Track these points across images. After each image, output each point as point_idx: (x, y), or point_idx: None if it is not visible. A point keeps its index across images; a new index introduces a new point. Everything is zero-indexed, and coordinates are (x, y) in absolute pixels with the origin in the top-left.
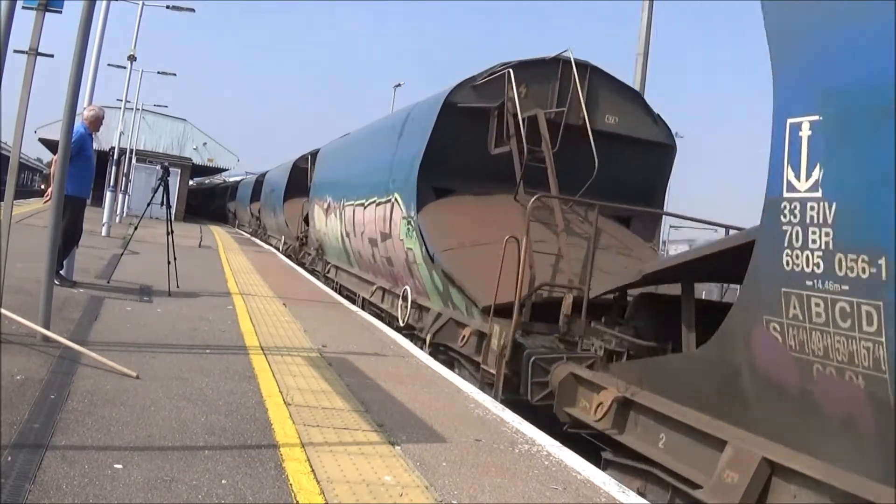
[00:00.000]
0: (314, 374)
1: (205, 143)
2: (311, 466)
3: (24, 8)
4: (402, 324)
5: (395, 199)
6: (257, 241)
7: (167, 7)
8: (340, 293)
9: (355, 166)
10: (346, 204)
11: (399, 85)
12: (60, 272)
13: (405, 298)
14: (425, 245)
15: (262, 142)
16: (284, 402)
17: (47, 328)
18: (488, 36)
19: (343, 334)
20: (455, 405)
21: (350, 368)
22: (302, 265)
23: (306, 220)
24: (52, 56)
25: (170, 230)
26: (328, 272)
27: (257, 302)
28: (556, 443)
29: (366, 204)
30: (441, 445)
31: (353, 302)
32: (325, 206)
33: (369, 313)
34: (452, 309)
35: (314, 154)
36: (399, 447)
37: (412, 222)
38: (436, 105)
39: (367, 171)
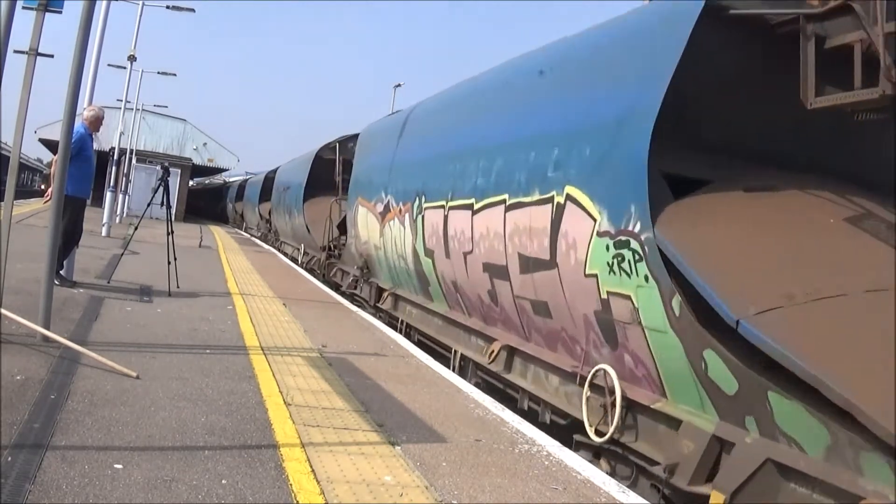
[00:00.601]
0: (314, 374)
1: (205, 143)
2: (311, 466)
3: (24, 8)
4: (593, 436)
5: (570, 198)
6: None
7: (167, 7)
8: (408, 336)
9: (449, 142)
10: (426, 205)
11: (399, 85)
12: (60, 272)
13: (601, 389)
14: (691, 293)
15: (262, 142)
16: (284, 402)
17: (47, 328)
18: (489, 36)
19: (343, 334)
20: (455, 405)
21: (350, 368)
22: (336, 288)
23: (341, 227)
24: (52, 56)
25: (170, 230)
26: (383, 302)
27: (257, 302)
28: (557, 443)
29: (477, 206)
30: (441, 445)
31: (448, 365)
32: (380, 207)
33: (474, 385)
34: (757, 433)
35: (346, 141)
36: (399, 447)
37: (641, 245)
38: (685, 14)
39: (483, 148)
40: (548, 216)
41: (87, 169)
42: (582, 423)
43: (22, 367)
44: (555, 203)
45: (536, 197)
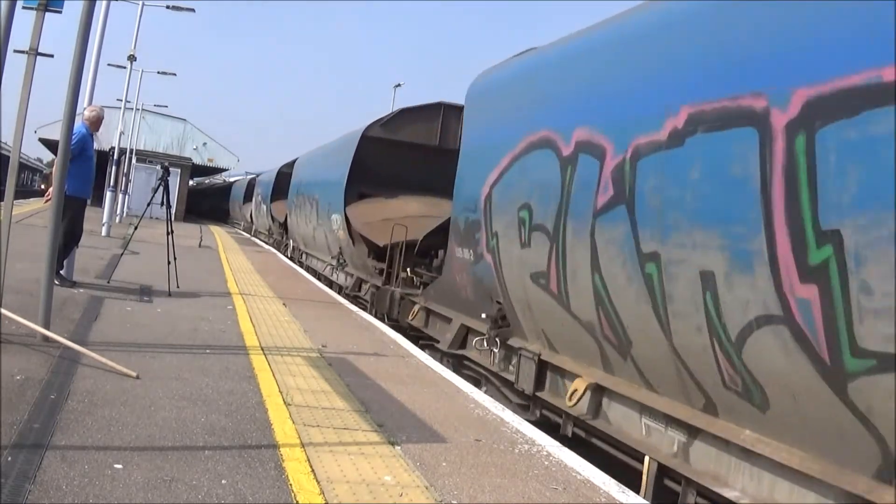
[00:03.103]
0: (314, 374)
1: (205, 143)
2: (311, 466)
3: (24, 8)
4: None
5: None
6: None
7: (167, 7)
8: None
9: None
10: None
11: (399, 85)
12: (60, 272)
13: None
14: None
15: (262, 142)
16: (284, 402)
17: (47, 328)
18: (487, 35)
19: (343, 334)
20: (455, 405)
21: (350, 368)
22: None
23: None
24: (52, 56)
25: (170, 230)
26: None
27: (257, 302)
28: (556, 443)
29: None
30: (441, 445)
31: None
32: None
33: None
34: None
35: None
36: (399, 447)
37: None
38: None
39: None
40: None
41: (87, 169)
42: None
43: (22, 367)
44: None
45: None
